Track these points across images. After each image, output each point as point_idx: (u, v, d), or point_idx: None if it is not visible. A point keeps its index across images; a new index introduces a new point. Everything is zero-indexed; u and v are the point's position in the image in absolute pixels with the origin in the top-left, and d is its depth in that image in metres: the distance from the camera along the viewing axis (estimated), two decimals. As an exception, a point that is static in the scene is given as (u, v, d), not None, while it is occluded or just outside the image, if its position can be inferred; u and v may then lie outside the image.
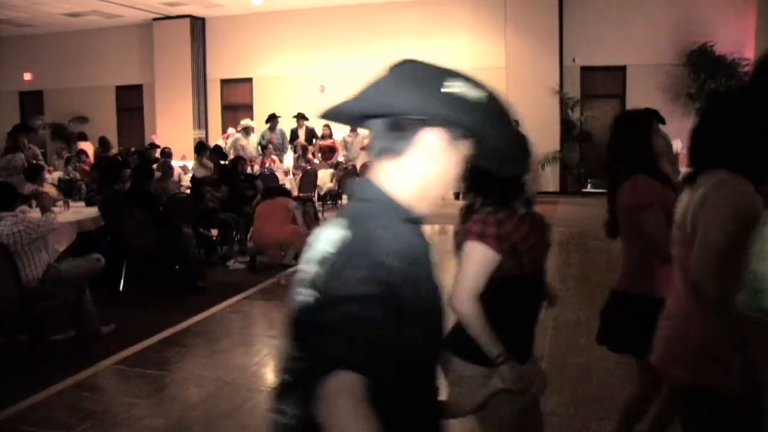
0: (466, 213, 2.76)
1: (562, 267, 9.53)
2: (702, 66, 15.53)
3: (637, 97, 16.16)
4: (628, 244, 3.53)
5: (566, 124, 16.52)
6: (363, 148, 15.28)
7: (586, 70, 17.04)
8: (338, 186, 14.30)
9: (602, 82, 17.04)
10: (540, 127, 15.83)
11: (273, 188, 10.14)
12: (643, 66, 16.47)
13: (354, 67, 18.08)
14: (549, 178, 16.67)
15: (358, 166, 14.85)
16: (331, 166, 14.62)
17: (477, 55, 17.35)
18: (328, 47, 18.51)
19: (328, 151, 15.24)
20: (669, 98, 15.90)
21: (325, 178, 14.35)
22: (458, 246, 2.72)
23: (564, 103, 16.48)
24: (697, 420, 2.52)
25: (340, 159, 15.18)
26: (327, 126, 15.63)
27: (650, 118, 3.60)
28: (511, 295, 2.66)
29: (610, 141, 3.61)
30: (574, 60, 16.83)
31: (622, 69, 16.86)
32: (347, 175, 14.37)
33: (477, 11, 17.35)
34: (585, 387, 5.09)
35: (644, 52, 16.39)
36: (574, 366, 5.51)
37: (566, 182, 16.96)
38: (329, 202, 14.42)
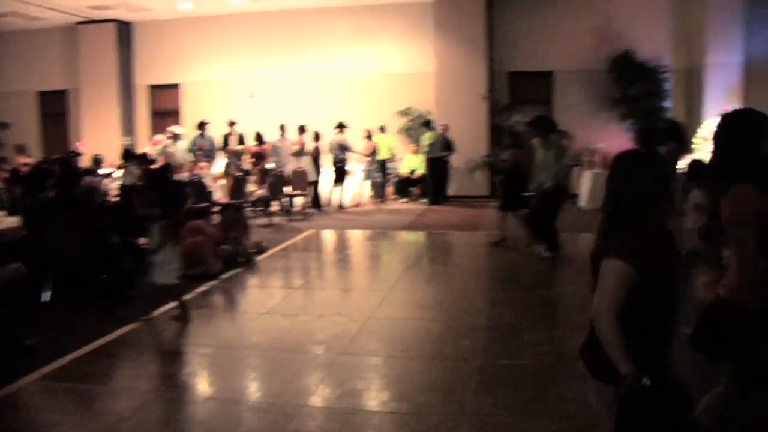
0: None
1: (493, 270, 9.66)
2: (625, 72, 15.93)
3: (564, 103, 16.57)
4: (735, 254, 3.33)
5: (495, 129, 16.72)
6: (293, 154, 15.23)
7: (514, 76, 17.31)
8: (270, 192, 14.21)
9: (530, 87, 17.31)
10: (469, 132, 16.08)
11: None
12: (569, 72, 16.83)
13: (284, 73, 18.09)
14: (479, 183, 16.85)
15: (286, 172, 14.79)
16: (258, 173, 14.53)
17: (407, 60, 17.50)
18: (259, 53, 18.38)
19: (258, 157, 15.11)
20: (593, 103, 16.29)
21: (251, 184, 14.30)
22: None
23: (493, 109, 16.67)
24: None
25: (271, 165, 15.07)
26: (258, 132, 15.51)
27: (765, 118, 3.38)
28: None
29: (717, 143, 3.42)
30: (501, 66, 17.08)
31: (549, 75, 17.17)
32: (277, 181, 14.31)
33: (407, 18, 17.46)
34: (517, 390, 5.16)
35: (570, 59, 16.75)
36: (507, 368, 5.58)
37: (495, 187, 17.14)
38: (260, 209, 14.31)
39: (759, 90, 15.51)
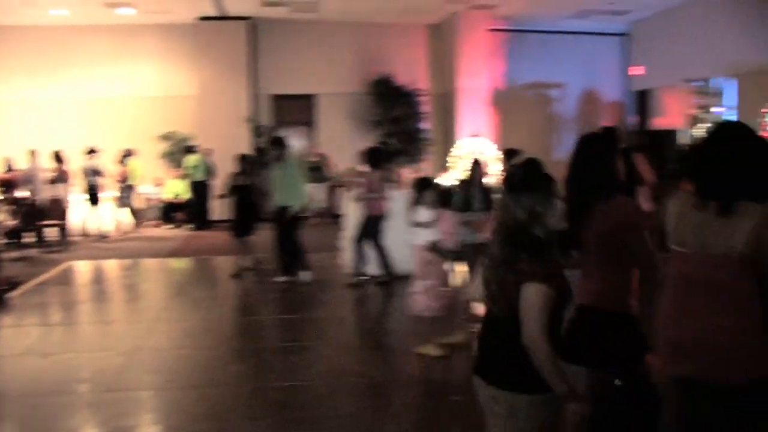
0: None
1: (259, 294, 9.63)
2: (384, 95, 16.60)
3: (328, 125, 17.00)
4: (607, 263, 3.55)
5: (259, 152, 16.73)
6: (49, 181, 14.28)
7: (277, 99, 17.44)
8: (22, 222, 13.28)
9: (294, 110, 17.53)
10: (232, 154, 15.95)
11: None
12: (331, 95, 17.27)
13: (37, 94, 16.93)
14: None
15: (40, 201, 13.85)
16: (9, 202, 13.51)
17: (168, 83, 17.07)
18: (8, 72, 16.92)
19: (7, 185, 14.04)
20: (355, 125, 16.82)
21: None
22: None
23: (256, 131, 16.64)
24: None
25: (23, 193, 14.01)
26: (6, 157, 14.42)
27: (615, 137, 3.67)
28: None
29: (581, 161, 3.68)
30: (265, 89, 17.17)
31: (312, 97, 17.50)
32: (30, 211, 13.41)
33: (168, 39, 17.04)
34: (291, 410, 5.19)
35: (332, 82, 17.22)
36: (279, 390, 5.60)
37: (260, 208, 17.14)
38: (12, 241, 13.31)
39: (504, 111, 16.94)
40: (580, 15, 16.43)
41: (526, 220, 2.85)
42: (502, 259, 2.90)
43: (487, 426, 3.04)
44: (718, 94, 12.92)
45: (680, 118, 13.69)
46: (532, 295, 2.79)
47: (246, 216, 10.41)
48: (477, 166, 8.19)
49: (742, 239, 2.80)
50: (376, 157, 9.59)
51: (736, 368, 2.84)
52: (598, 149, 3.71)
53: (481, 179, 8.12)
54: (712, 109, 12.91)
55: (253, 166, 10.94)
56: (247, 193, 10.43)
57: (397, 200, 9.26)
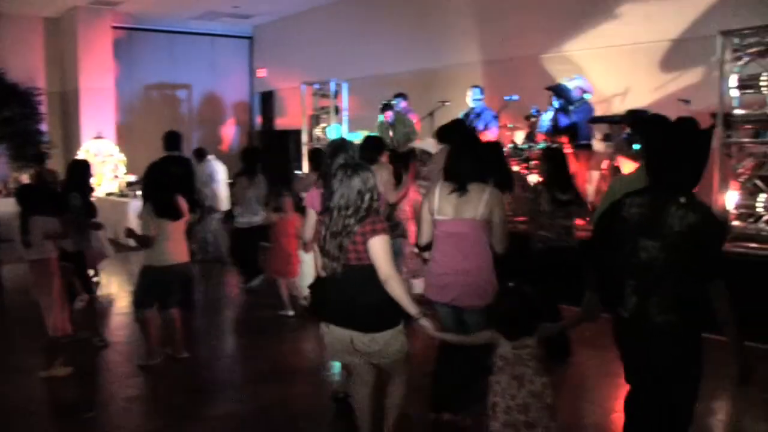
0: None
1: None
2: (-1, 93, 15.23)
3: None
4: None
5: None
6: None
7: None
8: None
9: None
10: None
11: None
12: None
13: None
14: None
15: None
16: None
17: None
18: None
19: None
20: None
21: None
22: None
23: None
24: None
25: None
26: None
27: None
28: None
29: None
30: None
31: None
32: None
33: None
34: None
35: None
36: None
37: None
38: None
39: (129, 112, 16.49)
40: (207, 17, 16.52)
41: (369, 194, 3.84)
42: (342, 230, 3.81)
43: (356, 369, 4.07)
44: (335, 96, 13.66)
45: (301, 118, 14.35)
46: (381, 245, 3.78)
47: None
48: (79, 169, 7.61)
49: (481, 207, 4.38)
50: None
51: (477, 296, 4.34)
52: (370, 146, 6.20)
53: (85, 182, 7.57)
54: (330, 110, 13.64)
55: None
56: None
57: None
